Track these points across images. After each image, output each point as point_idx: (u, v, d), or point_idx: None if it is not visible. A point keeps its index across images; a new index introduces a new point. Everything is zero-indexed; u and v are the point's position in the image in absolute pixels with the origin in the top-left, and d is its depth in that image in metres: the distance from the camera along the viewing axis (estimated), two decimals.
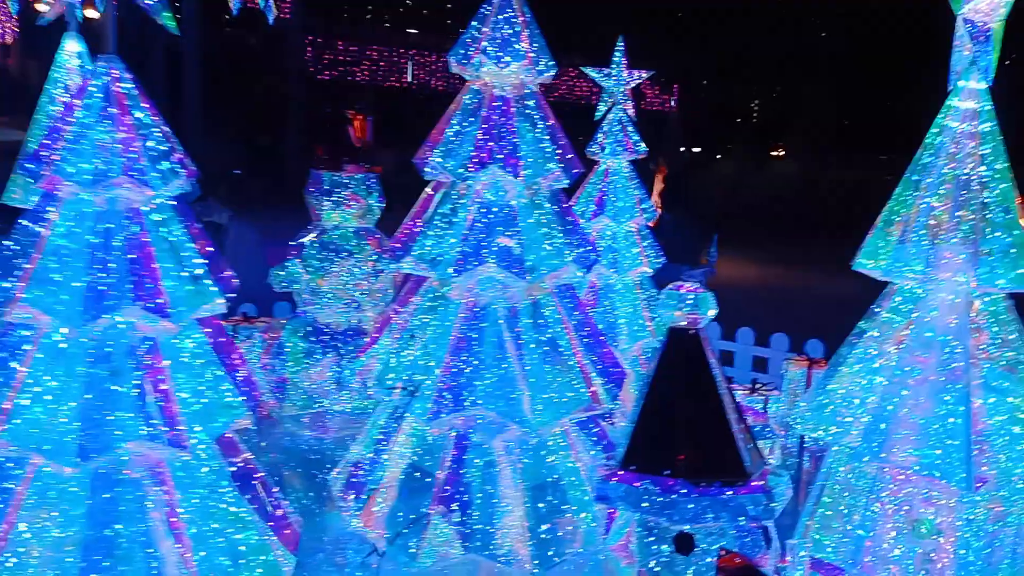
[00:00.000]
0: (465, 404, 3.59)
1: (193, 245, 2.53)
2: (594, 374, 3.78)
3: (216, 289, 2.53)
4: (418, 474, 3.75)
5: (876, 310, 3.69)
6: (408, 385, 3.72)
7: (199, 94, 24.70)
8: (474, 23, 3.73)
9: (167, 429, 2.39)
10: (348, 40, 31.66)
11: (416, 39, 33.47)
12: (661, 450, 2.27)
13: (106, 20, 2.36)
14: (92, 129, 2.37)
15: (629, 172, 5.61)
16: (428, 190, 3.96)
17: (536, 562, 3.57)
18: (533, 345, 3.70)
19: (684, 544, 2.18)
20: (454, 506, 3.62)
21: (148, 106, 2.47)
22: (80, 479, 2.44)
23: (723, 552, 2.12)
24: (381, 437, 3.96)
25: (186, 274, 2.48)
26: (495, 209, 3.67)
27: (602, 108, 5.59)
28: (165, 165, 2.45)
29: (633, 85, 5.59)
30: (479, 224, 3.66)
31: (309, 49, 30.03)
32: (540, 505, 3.67)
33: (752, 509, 2.16)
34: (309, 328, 5.39)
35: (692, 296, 2.37)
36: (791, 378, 5.37)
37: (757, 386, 5.52)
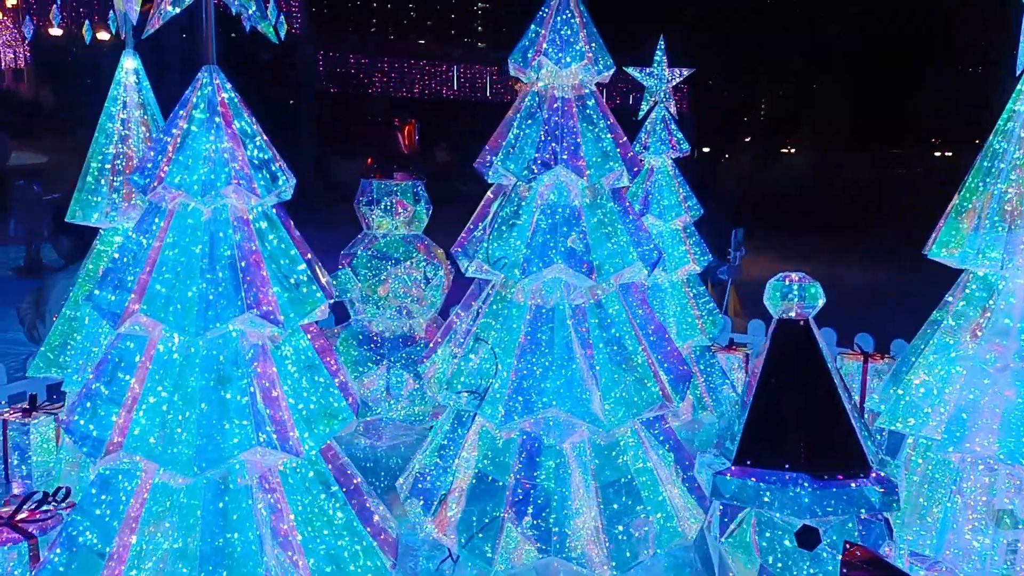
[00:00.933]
0: (536, 406, 3.58)
1: (296, 250, 2.53)
2: (661, 372, 3.76)
3: (321, 294, 2.53)
4: (490, 479, 3.74)
5: (950, 299, 3.66)
6: (475, 389, 3.71)
7: None
8: (532, 26, 3.73)
9: (279, 435, 2.39)
10: (359, 53, 31.92)
11: (424, 49, 33.70)
12: (778, 444, 2.24)
13: (207, 31, 2.37)
14: (198, 139, 2.38)
15: (673, 170, 5.61)
16: (489, 194, 3.96)
17: (613, 564, 3.55)
18: (601, 344, 3.68)
19: (807, 538, 2.15)
20: (528, 509, 3.61)
21: (248, 114, 2.47)
22: (193, 489, 2.43)
23: (847, 545, 2.09)
24: (446, 443, 3.95)
25: (292, 280, 2.48)
26: (560, 209, 3.66)
27: (644, 107, 5.59)
28: (268, 172, 2.46)
29: (675, 83, 5.59)
30: (543, 225, 3.65)
31: (321, 64, 30.27)
32: (614, 506, 3.66)
33: (875, 501, 2.14)
34: (361, 336, 5.39)
35: (800, 286, 2.34)
36: (847, 371, 5.34)
37: None
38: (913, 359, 3.62)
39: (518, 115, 3.80)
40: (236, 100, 2.44)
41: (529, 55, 3.71)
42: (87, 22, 5.99)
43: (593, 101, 3.76)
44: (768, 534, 2.21)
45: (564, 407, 3.58)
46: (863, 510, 2.14)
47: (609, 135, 3.73)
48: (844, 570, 2.00)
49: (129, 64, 4.22)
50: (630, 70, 5.50)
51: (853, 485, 2.17)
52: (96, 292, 2.45)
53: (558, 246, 3.59)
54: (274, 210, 2.55)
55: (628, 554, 3.59)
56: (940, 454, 3.35)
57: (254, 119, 2.48)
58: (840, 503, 2.15)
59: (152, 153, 2.44)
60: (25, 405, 4.58)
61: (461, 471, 3.84)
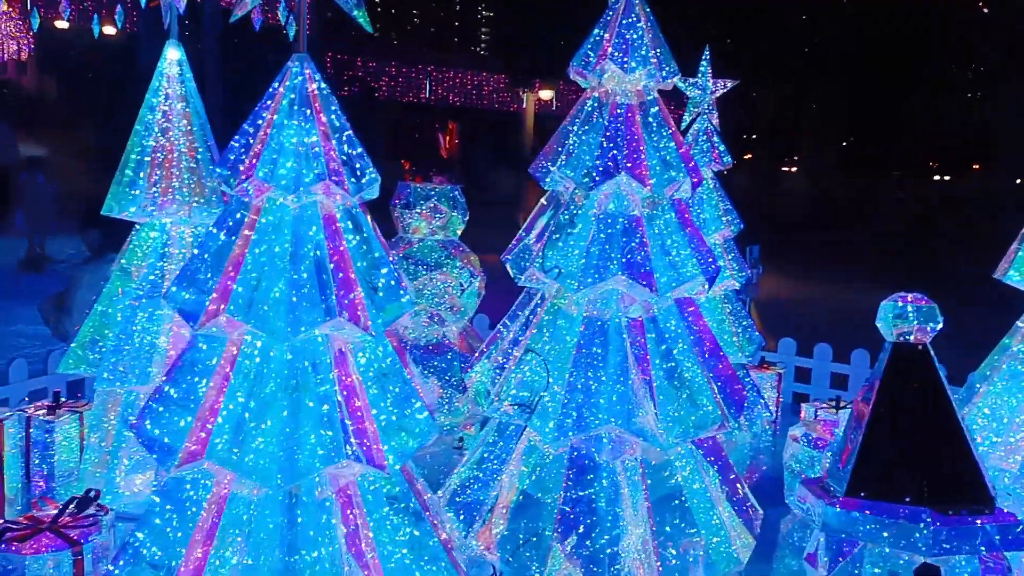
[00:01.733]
0: (590, 422, 3.45)
1: (382, 252, 2.40)
2: (716, 391, 3.64)
3: (407, 298, 2.40)
4: (537, 495, 3.61)
5: (1021, 326, 3.55)
6: (524, 402, 3.58)
7: (220, 111, 24.69)
8: (596, 29, 3.62)
9: (364, 449, 2.25)
10: (368, 57, 31.82)
11: (433, 56, 33.64)
12: (897, 476, 2.12)
13: (300, 20, 2.24)
14: (287, 132, 2.24)
15: (714, 183, 5.50)
16: (543, 201, 3.85)
17: None
18: (657, 360, 3.56)
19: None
20: (578, 529, 3.48)
21: (337, 107, 2.34)
22: (266, 502, 2.29)
23: None
24: (488, 456, 3.82)
25: (380, 283, 2.35)
26: (619, 219, 3.54)
27: (687, 118, 5.49)
28: (356, 169, 2.33)
29: (720, 94, 5.49)
30: (602, 235, 3.53)
31: (330, 67, 30.11)
32: (667, 527, 3.53)
33: (1000, 540, 2.01)
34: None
35: (916, 307, 2.23)
36: None
37: (843, 404, 5.37)
38: (979, 386, 3.51)
39: (577, 121, 3.69)
40: (326, 92, 2.31)
41: (592, 59, 3.60)
42: (95, 16, 5.87)
43: (656, 108, 3.65)
44: (880, 570, 2.09)
45: (619, 423, 3.45)
46: (984, 548, 2.02)
47: (672, 144, 3.62)
48: None
49: (172, 55, 4.10)
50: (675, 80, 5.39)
51: (979, 522, 2.05)
52: (173, 290, 2.30)
53: (617, 257, 3.47)
54: (360, 208, 2.42)
55: None
56: (1013, 487, 3.24)
57: (342, 113, 2.35)
58: (964, 540, 2.03)
59: (237, 145, 2.31)
60: (49, 402, 4.43)
61: (506, 486, 3.71)
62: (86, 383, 5.32)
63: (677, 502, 3.58)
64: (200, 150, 4.14)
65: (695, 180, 3.66)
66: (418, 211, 5.14)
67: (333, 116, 2.32)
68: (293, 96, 2.27)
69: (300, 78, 2.29)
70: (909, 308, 2.23)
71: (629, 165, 3.48)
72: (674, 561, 3.49)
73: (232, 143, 2.33)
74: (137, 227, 4.22)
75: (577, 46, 3.69)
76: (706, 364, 3.68)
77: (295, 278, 2.23)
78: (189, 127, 4.14)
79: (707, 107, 5.45)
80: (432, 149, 5.35)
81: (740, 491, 3.84)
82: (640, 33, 3.56)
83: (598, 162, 3.53)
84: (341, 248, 2.31)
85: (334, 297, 2.24)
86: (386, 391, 2.36)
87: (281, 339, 2.20)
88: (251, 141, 2.28)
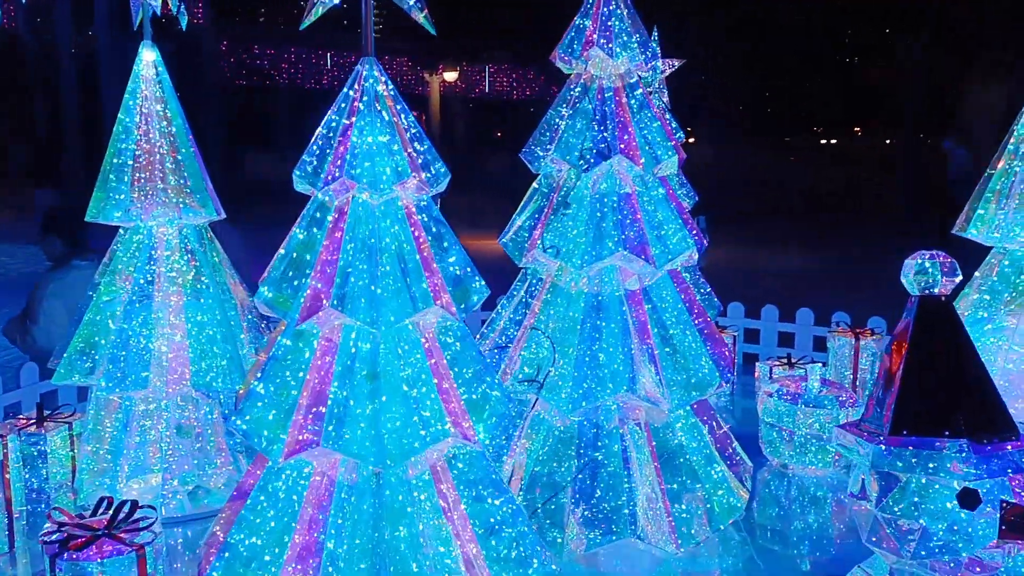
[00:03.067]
0: (601, 391, 3.64)
1: (457, 242, 2.51)
2: (709, 354, 3.89)
3: (481, 285, 2.52)
4: (551, 465, 3.78)
5: (978, 275, 3.91)
6: (533, 378, 3.75)
7: (112, 106, 23.73)
8: (578, 18, 3.78)
9: (457, 425, 2.37)
10: (264, 43, 31.04)
11: (333, 39, 33.02)
12: (935, 414, 2.37)
13: (365, 23, 2.31)
14: (365, 132, 2.32)
15: None
16: (534, 184, 3.99)
17: (679, 540, 3.65)
18: (656, 329, 3.78)
19: (969, 499, 2.30)
20: (595, 493, 3.68)
21: (406, 107, 2.44)
22: (367, 484, 2.39)
23: (1005, 504, 2.25)
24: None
25: (459, 272, 2.46)
26: (614, 198, 3.73)
27: None
28: (430, 164, 2.43)
29: (668, 74, 5.73)
30: (598, 214, 3.71)
31: (226, 54, 29.27)
32: (674, 485, 3.76)
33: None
34: None
35: (941, 263, 2.48)
36: (839, 348, 5.61)
37: (793, 361, 5.72)
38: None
39: (564, 105, 3.85)
40: (395, 92, 2.40)
41: (577, 46, 3.76)
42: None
43: (639, 91, 3.84)
44: (928, 498, 2.34)
45: (626, 391, 3.66)
46: (1011, 471, 2.30)
47: (657, 123, 3.82)
48: (1003, 525, 2.15)
49: (148, 56, 4.05)
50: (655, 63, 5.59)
51: (1009, 448, 2.33)
52: (263, 291, 2.36)
53: (616, 234, 3.66)
54: (434, 203, 2.52)
55: (692, 530, 3.71)
56: None
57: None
58: (998, 465, 2.31)
59: (316, 148, 2.37)
60: (33, 415, 4.34)
61: (517, 460, 3.87)
62: (59, 393, 5.21)
63: (682, 460, 3.82)
64: (183, 150, 4.12)
65: (680, 157, 3.88)
66: None
67: (403, 115, 2.41)
68: (367, 98, 2.35)
69: (372, 80, 2.37)
70: (936, 264, 2.48)
71: (622, 147, 3.67)
72: (684, 515, 3.73)
73: (311, 147, 2.40)
74: (122, 231, 4.17)
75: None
76: (698, 329, 3.92)
77: (384, 270, 2.32)
78: (170, 128, 4.11)
79: (658, 86, 5.68)
80: None
81: (730, 446, 4.12)
82: (621, 20, 3.74)
83: (591, 145, 3.70)
84: (422, 240, 2.42)
85: (425, 286, 2.35)
86: (465, 370, 2.49)
87: (376, 327, 2.30)
88: (330, 143, 2.35)
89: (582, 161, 3.70)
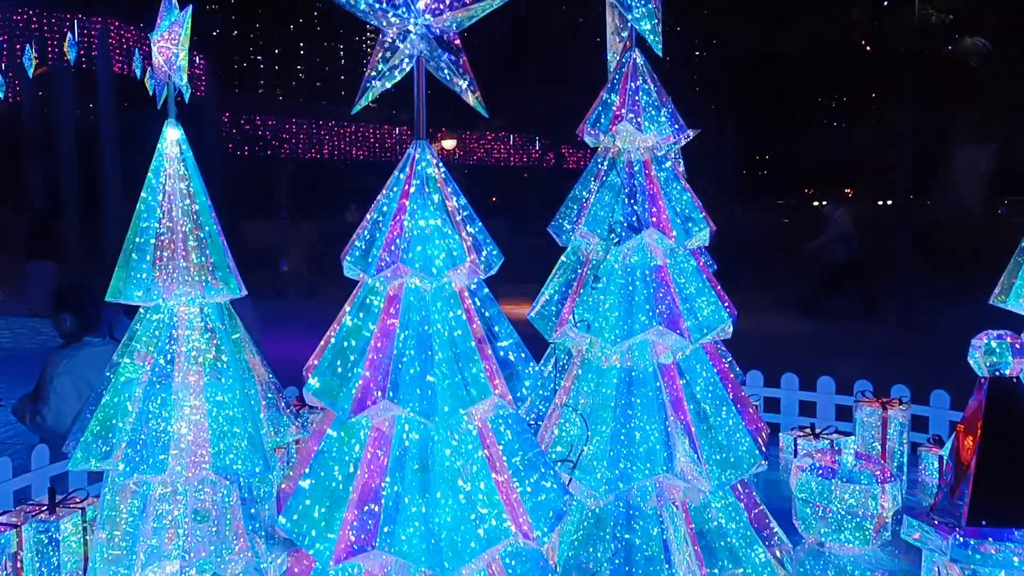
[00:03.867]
0: (636, 471, 3.53)
1: (509, 326, 2.43)
2: (747, 429, 3.78)
3: (534, 369, 2.43)
4: (586, 550, 3.64)
5: None
6: (566, 458, 3.63)
7: (119, 179, 23.95)
8: (605, 94, 3.78)
9: (519, 527, 2.25)
10: (266, 115, 31.45)
11: (333, 111, 33.56)
12: (1014, 502, 2.27)
13: (418, 107, 2.27)
14: (418, 216, 2.26)
15: None
16: (563, 258, 3.94)
17: None
18: (691, 405, 3.69)
19: None
20: None
21: (456, 188, 2.39)
22: None
23: None
24: None
25: (511, 358, 2.37)
26: (646, 271, 3.67)
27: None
28: (484, 248, 2.37)
29: (684, 143, 5.73)
30: (630, 288, 3.65)
31: (228, 125, 29.65)
32: (715, 570, 3.62)
33: None
34: None
35: (1009, 344, 2.41)
36: (865, 419, 5.49)
37: (817, 431, 5.62)
38: None
39: (592, 179, 3.82)
40: (447, 174, 2.35)
41: (604, 121, 3.75)
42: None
43: (668, 163, 3.82)
44: None
45: (664, 470, 3.54)
46: None
47: (687, 195, 3.79)
48: None
49: (172, 135, 4.02)
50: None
51: None
52: (313, 382, 2.28)
53: (648, 308, 3.59)
54: (485, 287, 2.46)
55: None
56: None
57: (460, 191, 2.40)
58: None
59: (366, 234, 2.31)
60: (44, 501, 4.20)
61: (549, 542, 3.73)
62: (69, 476, 5.07)
63: (722, 543, 3.68)
64: (206, 228, 4.07)
65: (712, 228, 3.84)
66: None
67: (455, 198, 2.36)
68: (419, 181, 2.30)
69: (424, 163, 2.32)
70: (1001, 344, 2.41)
71: (653, 220, 3.63)
72: None
73: (362, 231, 2.34)
74: (142, 311, 4.09)
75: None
76: (734, 404, 3.83)
77: (438, 358, 2.24)
78: (193, 205, 4.06)
79: (674, 156, 5.67)
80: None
81: (768, 526, 3.98)
82: (649, 94, 3.74)
83: (621, 218, 3.65)
84: (475, 326, 2.34)
85: (481, 375, 2.26)
86: (521, 462, 2.39)
87: (430, 418, 2.21)
88: (381, 228, 2.30)
89: (612, 235, 3.65)
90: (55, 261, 22.18)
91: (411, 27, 2.12)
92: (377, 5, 2.09)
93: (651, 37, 3.66)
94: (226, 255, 4.15)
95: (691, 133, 5.82)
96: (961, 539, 2.25)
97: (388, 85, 2.22)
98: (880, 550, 4.49)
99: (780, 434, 5.77)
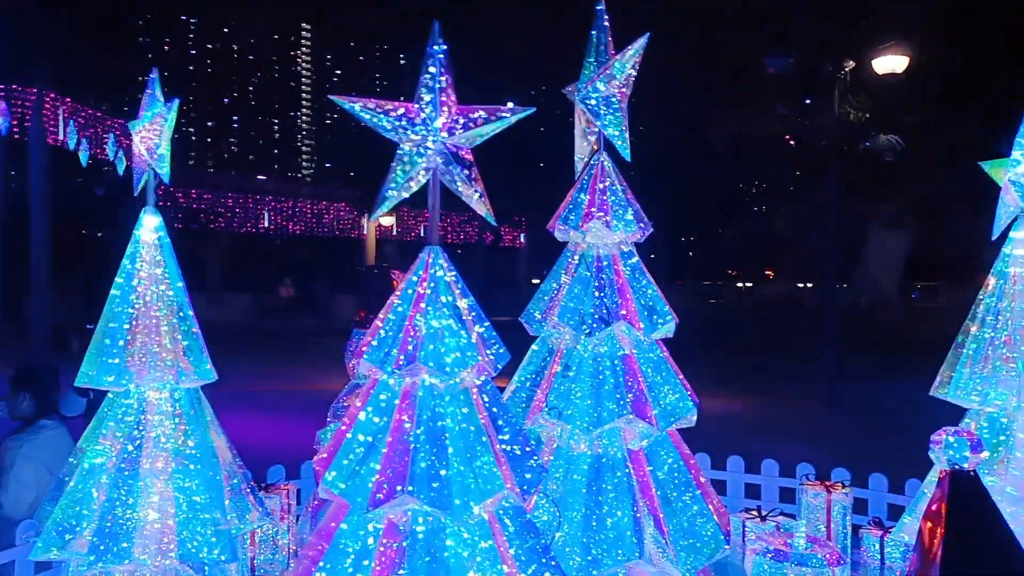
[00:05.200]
0: (608, 558, 3.62)
1: (514, 418, 2.53)
2: (715, 514, 3.93)
3: (538, 463, 2.52)
4: None
5: None
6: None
7: (46, 250, 23.34)
8: (575, 192, 3.99)
9: None
10: (202, 188, 31.23)
11: (270, 185, 33.54)
12: None
13: (432, 214, 2.41)
14: (431, 317, 2.37)
15: None
16: (534, 347, 4.08)
17: None
18: (657, 491, 3.82)
19: None
20: None
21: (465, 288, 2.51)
22: None
23: None
24: None
25: (518, 451, 2.46)
26: (615, 362, 3.84)
27: None
28: (492, 348, 2.48)
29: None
30: (601, 378, 3.81)
31: (162, 199, 29.36)
32: None
33: None
34: None
35: (966, 439, 2.60)
36: (810, 503, 5.68)
37: (764, 513, 5.78)
38: (928, 492, 3.98)
39: (563, 272, 4.00)
40: (457, 277, 2.48)
41: (575, 218, 3.95)
42: None
43: (635, 259, 4.03)
44: None
45: (636, 556, 3.64)
46: None
47: (652, 289, 3.99)
48: None
49: (150, 221, 4.08)
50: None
51: None
52: (330, 478, 2.32)
53: (619, 397, 3.75)
54: (491, 382, 2.56)
55: None
56: None
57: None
58: None
59: (383, 334, 2.41)
60: None
61: None
62: (16, 566, 4.88)
63: None
64: (180, 313, 4.10)
65: (675, 321, 4.04)
66: None
67: (470, 301, 2.49)
68: (433, 284, 2.43)
69: (436, 267, 2.45)
70: (959, 440, 2.62)
71: (623, 313, 3.81)
72: None
73: (378, 332, 2.44)
74: (111, 395, 4.07)
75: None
76: (697, 489, 3.97)
77: (450, 452, 2.33)
78: (168, 291, 4.10)
79: None
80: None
81: None
82: (616, 194, 3.97)
83: (592, 310, 3.83)
84: (485, 421, 2.44)
85: (495, 468, 2.36)
86: (524, 554, 2.46)
87: (444, 511, 2.28)
88: (397, 329, 2.40)
89: (584, 326, 3.82)
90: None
91: (429, 144, 2.28)
92: (399, 123, 2.25)
93: (618, 143, 3.91)
94: (199, 340, 4.18)
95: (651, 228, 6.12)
96: None
97: (405, 195, 2.37)
98: None
99: (729, 516, 5.90)
